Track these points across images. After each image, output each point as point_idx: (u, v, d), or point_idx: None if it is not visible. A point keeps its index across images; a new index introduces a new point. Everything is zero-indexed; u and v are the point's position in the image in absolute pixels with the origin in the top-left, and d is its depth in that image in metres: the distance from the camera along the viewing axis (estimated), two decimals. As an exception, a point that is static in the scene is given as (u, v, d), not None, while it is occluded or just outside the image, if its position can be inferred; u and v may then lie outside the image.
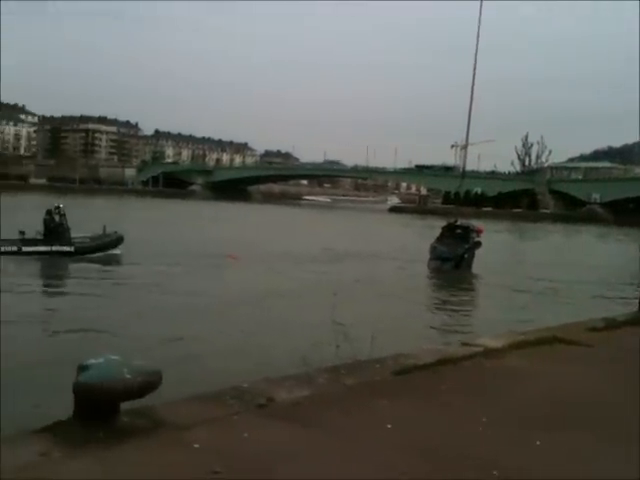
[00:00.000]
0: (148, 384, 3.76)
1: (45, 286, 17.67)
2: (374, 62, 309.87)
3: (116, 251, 22.20)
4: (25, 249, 20.54)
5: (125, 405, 3.77)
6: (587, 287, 19.95)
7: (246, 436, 3.80)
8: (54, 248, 21.03)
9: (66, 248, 21.25)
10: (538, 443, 4.03)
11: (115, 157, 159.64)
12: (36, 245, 20.84)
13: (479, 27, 23.79)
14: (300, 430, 3.99)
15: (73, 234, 21.80)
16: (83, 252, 21.45)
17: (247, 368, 7.54)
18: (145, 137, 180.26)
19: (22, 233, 20.90)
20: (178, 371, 6.88)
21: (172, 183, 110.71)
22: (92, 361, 3.71)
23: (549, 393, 5.20)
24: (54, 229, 21.32)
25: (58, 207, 21.71)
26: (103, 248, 22.06)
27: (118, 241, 22.48)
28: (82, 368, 3.66)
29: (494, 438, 4.08)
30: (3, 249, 20.12)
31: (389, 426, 4.15)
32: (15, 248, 20.40)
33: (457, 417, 4.46)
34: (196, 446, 3.59)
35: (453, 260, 22.54)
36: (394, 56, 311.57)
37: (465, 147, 30.77)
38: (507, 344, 6.73)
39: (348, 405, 4.51)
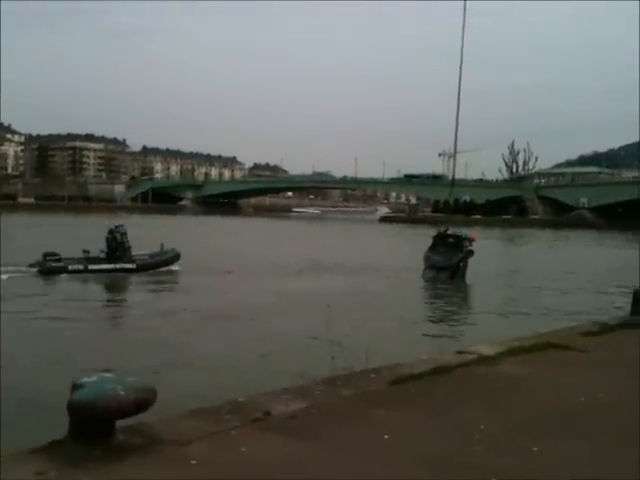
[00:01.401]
0: (143, 401, 3.74)
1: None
2: (361, 73, 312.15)
3: (174, 267, 22.82)
4: (91, 267, 21.29)
5: (121, 422, 3.74)
6: (578, 292, 20.07)
7: (244, 450, 3.78)
8: (117, 266, 21.70)
9: (128, 266, 21.92)
10: (535, 449, 4.03)
11: (103, 174, 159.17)
12: (100, 263, 21.59)
13: (463, 36, 23.85)
14: (298, 442, 3.97)
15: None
16: (144, 269, 22.06)
17: (242, 382, 7.49)
18: (133, 153, 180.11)
19: (86, 252, 21.63)
20: (172, 385, 6.83)
21: (162, 199, 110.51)
22: (86, 379, 3.68)
23: (544, 398, 5.21)
24: (116, 248, 21.98)
25: (118, 226, 22.36)
26: (162, 265, 22.70)
27: (175, 258, 23.09)
28: (76, 387, 3.63)
29: (492, 445, 4.07)
30: (70, 267, 20.87)
31: (386, 436, 4.14)
32: (81, 267, 21.17)
33: (454, 425, 4.46)
34: (193, 462, 3.56)
35: (449, 269, 22.41)
36: (381, 67, 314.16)
37: (453, 155, 30.83)
38: (501, 351, 6.75)
39: (345, 416, 4.50)
